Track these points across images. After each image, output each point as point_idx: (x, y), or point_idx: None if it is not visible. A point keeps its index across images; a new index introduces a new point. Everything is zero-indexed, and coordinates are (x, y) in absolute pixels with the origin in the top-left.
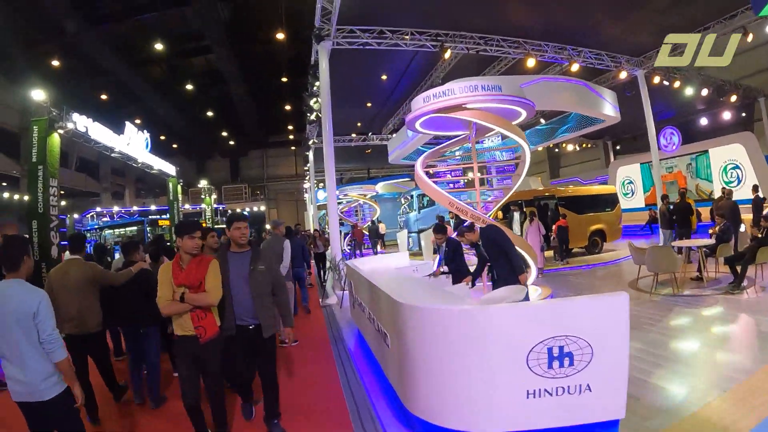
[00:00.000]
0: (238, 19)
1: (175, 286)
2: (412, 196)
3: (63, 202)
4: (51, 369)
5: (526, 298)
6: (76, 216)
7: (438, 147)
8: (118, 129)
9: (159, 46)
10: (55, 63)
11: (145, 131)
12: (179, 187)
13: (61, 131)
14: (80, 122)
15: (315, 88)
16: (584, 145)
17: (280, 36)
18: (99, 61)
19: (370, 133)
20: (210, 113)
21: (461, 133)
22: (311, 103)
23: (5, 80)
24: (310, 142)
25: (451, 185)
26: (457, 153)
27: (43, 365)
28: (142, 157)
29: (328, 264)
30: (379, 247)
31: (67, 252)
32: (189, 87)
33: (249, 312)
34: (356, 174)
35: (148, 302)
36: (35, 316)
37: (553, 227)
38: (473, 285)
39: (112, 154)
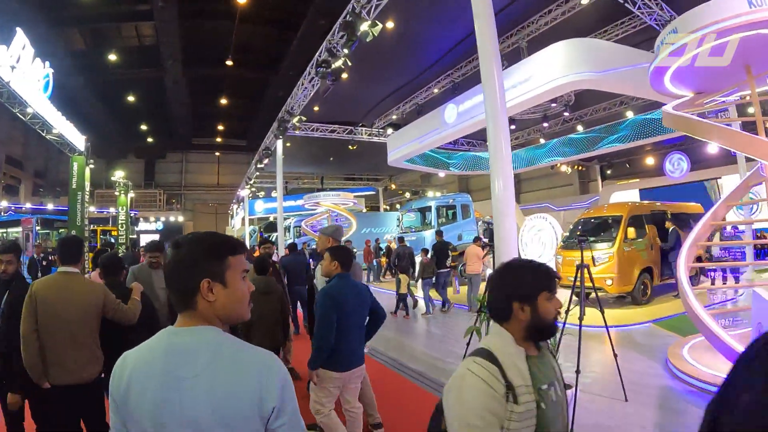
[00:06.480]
0: None
1: None
2: (429, 208)
3: None
4: None
5: None
6: None
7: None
8: None
9: None
10: None
11: (47, 64)
12: (87, 173)
13: None
14: None
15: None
16: (577, 167)
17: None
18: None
19: (360, 125)
20: (131, 98)
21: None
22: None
23: None
24: (295, 120)
25: None
26: None
27: None
28: (35, 102)
29: None
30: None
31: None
32: (112, 58)
33: None
34: (306, 184)
35: None
36: None
37: None
38: None
39: None
